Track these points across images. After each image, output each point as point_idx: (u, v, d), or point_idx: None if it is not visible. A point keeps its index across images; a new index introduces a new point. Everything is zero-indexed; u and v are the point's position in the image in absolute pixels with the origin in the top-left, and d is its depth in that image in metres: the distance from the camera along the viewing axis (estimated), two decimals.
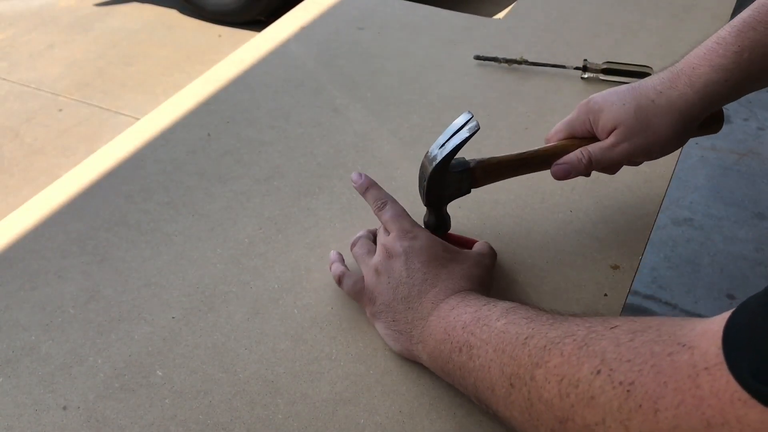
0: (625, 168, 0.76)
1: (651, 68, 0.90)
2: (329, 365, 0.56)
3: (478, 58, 0.95)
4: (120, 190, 0.74)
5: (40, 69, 2.71)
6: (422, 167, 0.61)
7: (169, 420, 0.52)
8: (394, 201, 0.62)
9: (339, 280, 0.60)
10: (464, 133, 0.57)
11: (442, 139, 0.59)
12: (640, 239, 0.67)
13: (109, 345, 0.58)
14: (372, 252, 0.60)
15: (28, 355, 0.57)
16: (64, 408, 0.53)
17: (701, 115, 0.60)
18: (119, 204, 0.72)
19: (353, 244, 0.63)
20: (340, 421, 0.52)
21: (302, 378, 0.55)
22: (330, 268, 0.62)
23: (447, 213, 0.64)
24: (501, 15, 1.13)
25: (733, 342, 0.31)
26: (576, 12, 1.09)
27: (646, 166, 0.77)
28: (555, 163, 0.63)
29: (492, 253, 0.63)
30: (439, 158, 0.58)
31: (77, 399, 0.54)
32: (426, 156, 0.60)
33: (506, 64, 0.94)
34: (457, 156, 0.59)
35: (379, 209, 0.61)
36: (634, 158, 0.63)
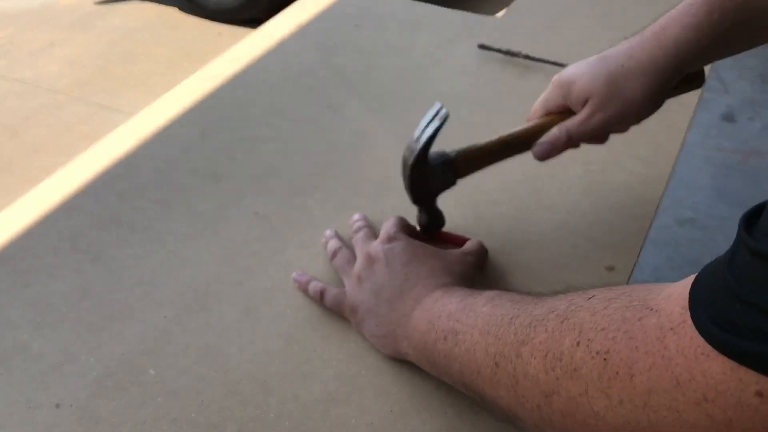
0: (622, 169, 0.76)
1: None
2: (321, 365, 0.56)
3: (482, 47, 0.96)
4: (113, 188, 0.74)
5: (40, 67, 2.71)
6: (403, 164, 0.60)
7: (161, 419, 0.52)
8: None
9: (321, 297, 0.60)
10: (435, 123, 0.57)
11: (416, 134, 0.58)
12: (636, 240, 0.67)
13: (101, 344, 0.58)
14: (352, 261, 0.61)
15: (20, 354, 0.57)
16: (57, 406, 0.53)
17: (674, 76, 0.59)
18: (112, 202, 0.72)
19: (333, 255, 0.63)
20: (331, 421, 0.52)
21: (294, 378, 0.55)
22: (308, 288, 0.61)
23: (439, 209, 0.64)
24: (500, 14, 1.12)
25: (697, 300, 0.32)
26: (575, 11, 1.08)
27: (644, 167, 0.76)
28: (535, 143, 0.62)
29: (480, 251, 0.63)
30: (415, 152, 0.58)
31: (69, 397, 0.54)
32: (404, 152, 0.60)
33: (509, 56, 0.94)
34: (438, 149, 0.59)
35: (355, 231, 0.65)
36: (612, 126, 0.62)
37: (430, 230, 0.65)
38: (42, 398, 0.54)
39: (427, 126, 0.58)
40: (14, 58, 2.78)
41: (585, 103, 0.60)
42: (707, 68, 0.65)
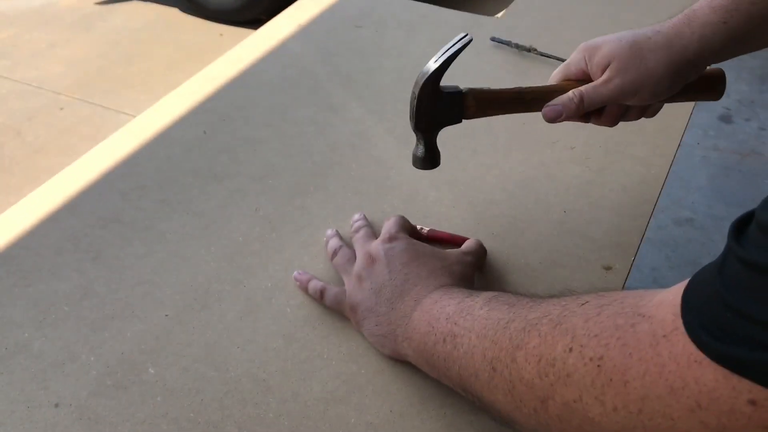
0: (620, 169, 0.76)
1: None
2: (321, 364, 0.56)
3: (493, 40, 0.98)
4: (115, 188, 0.74)
5: (41, 68, 2.72)
6: (415, 85, 0.58)
7: (161, 417, 0.52)
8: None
9: (321, 296, 0.60)
10: (457, 46, 0.56)
11: (435, 57, 0.57)
12: (634, 240, 0.67)
13: (102, 342, 0.58)
14: (353, 261, 0.61)
15: (21, 352, 0.57)
16: (56, 405, 0.53)
17: (697, 60, 0.59)
18: (114, 201, 0.72)
19: (333, 254, 0.63)
20: (331, 420, 0.52)
21: (294, 377, 0.55)
22: (308, 287, 0.61)
23: (437, 147, 0.62)
24: (500, 15, 1.13)
25: (688, 307, 0.32)
26: (574, 11, 1.08)
27: (642, 168, 0.77)
28: (546, 104, 0.60)
29: (479, 251, 0.63)
30: (429, 71, 0.56)
31: (69, 396, 0.54)
32: (419, 74, 0.58)
33: (517, 50, 0.97)
34: (452, 84, 0.58)
35: (356, 231, 0.65)
36: (626, 96, 0.60)
37: (426, 165, 0.62)
38: (42, 397, 0.54)
39: (447, 50, 0.56)
40: (16, 58, 2.79)
41: (605, 67, 0.60)
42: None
